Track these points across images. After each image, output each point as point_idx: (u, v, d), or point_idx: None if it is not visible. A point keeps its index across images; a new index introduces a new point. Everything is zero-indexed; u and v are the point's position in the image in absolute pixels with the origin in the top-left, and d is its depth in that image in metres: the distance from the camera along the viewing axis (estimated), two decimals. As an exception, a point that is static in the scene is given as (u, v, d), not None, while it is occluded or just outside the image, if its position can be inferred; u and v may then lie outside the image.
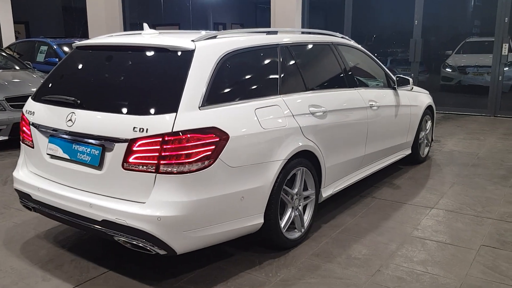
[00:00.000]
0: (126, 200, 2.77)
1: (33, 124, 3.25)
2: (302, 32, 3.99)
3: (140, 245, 2.74)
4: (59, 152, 3.07)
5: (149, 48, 3.03)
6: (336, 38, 4.39)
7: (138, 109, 2.75)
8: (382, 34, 12.65)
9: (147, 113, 2.71)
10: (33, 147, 3.27)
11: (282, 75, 3.43)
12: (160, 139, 2.64)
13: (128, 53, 3.11)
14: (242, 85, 3.18)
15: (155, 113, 2.70)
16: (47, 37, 9.74)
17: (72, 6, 18.36)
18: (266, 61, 3.42)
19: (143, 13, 15.16)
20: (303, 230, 3.53)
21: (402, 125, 5.05)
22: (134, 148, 2.70)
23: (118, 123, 2.76)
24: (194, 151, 2.67)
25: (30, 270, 3.16)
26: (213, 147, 2.73)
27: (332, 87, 4.02)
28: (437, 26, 11.54)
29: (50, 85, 3.40)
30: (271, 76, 3.38)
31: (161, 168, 2.66)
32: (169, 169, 2.66)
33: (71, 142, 3.01)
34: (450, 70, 11.00)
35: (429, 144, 5.93)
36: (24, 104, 6.46)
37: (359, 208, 4.25)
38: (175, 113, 2.67)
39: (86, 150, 2.93)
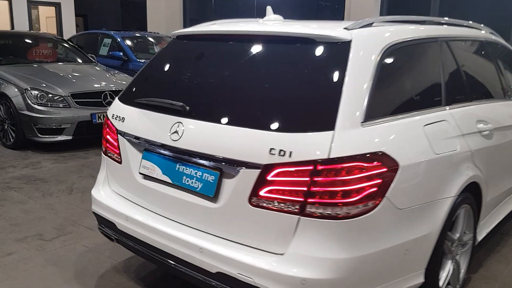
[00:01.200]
0: (254, 248, 2.00)
1: (121, 133, 2.54)
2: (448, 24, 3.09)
3: None
4: (157, 173, 2.34)
5: (285, 38, 2.24)
6: (485, 33, 3.47)
7: (278, 124, 1.97)
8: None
9: (291, 129, 1.92)
10: (120, 162, 2.57)
11: (446, 79, 2.58)
12: (310, 168, 1.85)
13: (254, 46, 2.33)
14: (405, 92, 2.34)
15: (303, 130, 1.90)
16: (110, 30, 9.24)
17: (130, 0, 18.09)
18: (429, 60, 2.57)
19: (202, 8, 14.58)
20: (458, 286, 2.67)
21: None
22: (270, 178, 1.92)
23: (248, 142, 1.99)
24: (355, 187, 1.86)
25: (110, 320, 2.47)
26: (380, 181, 1.91)
27: (491, 96, 3.12)
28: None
29: (144, 84, 2.68)
30: (435, 80, 2.53)
31: (308, 208, 1.87)
32: (320, 211, 1.86)
33: (175, 161, 2.27)
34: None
35: None
36: (89, 102, 6.01)
37: (508, 252, 3.33)
38: (332, 132, 1.87)
39: (196, 173, 2.18)
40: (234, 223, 2.05)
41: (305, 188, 1.86)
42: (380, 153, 1.92)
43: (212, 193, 2.10)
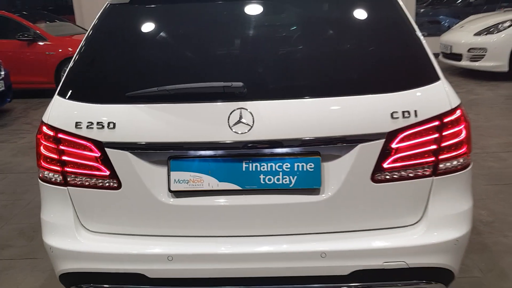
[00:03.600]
0: (385, 228, 1.75)
1: (115, 146, 1.72)
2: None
3: None
4: (210, 183, 1.70)
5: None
6: None
7: (389, 84, 1.72)
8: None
9: (406, 86, 1.72)
10: (117, 187, 1.75)
11: None
12: (437, 124, 1.71)
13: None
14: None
15: (418, 85, 1.73)
16: None
17: None
18: None
19: None
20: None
21: None
22: (394, 145, 1.69)
23: (359, 111, 1.67)
24: (462, 138, 1.80)
25: None
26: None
27: None
28: None
29: (118, 68, 1.85)
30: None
31: (441, 166, 1.74)
32: (450, 165, 1.76)
33: (239, 160, 1.70)
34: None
35: None
36: None
37: None
38: (440, 81, 1.77)
39: (284, 167, 1.69)
40: (353, 210, 1.73)
41: (435, 146, 1.71)
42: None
43: (318, 184, 1.70)
